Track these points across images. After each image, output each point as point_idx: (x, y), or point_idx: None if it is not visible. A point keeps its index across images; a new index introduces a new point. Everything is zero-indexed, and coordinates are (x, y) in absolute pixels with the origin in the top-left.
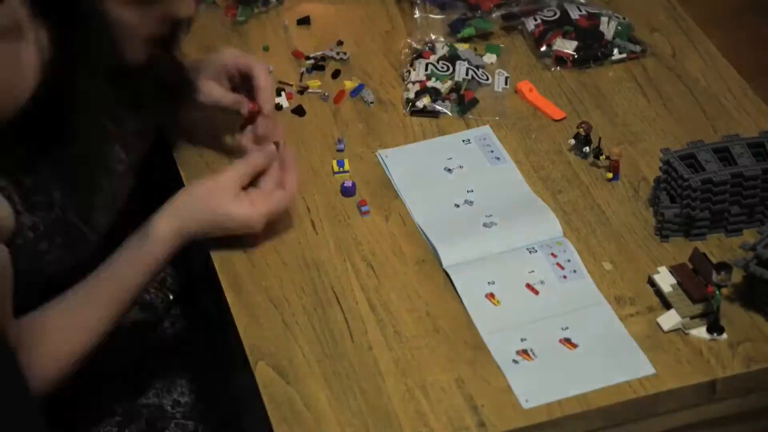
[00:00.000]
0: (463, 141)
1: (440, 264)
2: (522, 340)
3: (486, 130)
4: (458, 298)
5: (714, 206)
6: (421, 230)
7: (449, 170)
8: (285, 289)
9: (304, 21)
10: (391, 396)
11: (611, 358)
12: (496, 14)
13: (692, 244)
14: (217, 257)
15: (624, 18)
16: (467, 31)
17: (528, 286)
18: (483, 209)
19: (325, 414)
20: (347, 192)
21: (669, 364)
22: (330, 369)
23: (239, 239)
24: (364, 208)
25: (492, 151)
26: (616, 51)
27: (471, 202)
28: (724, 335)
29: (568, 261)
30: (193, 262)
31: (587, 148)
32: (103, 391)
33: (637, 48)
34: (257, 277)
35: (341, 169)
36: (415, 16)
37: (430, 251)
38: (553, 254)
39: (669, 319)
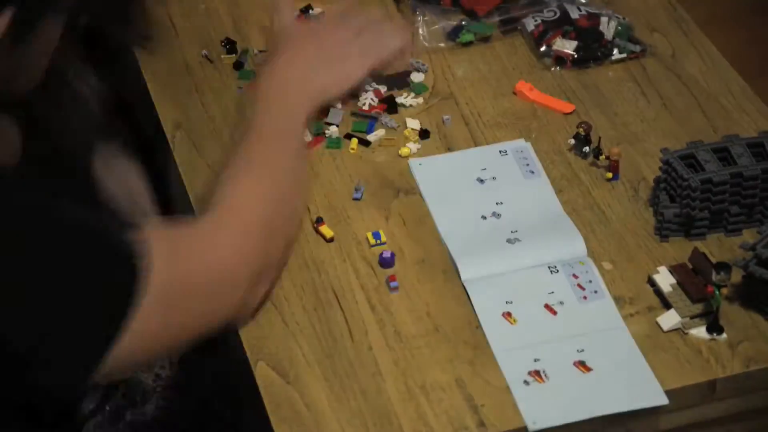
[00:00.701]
0: (500, 152)
1: (458, 276)
2: (535, 360)
3: (521, 143)
4: (458, 298)
5: (714, 206)
6: (443, 240)
7: (481, 180)
8: (285, 289)
9: None
10: (391, 396)
11: (625, 385)
12: (492, 20)
13: (692, 244)
14: None
15: (624, 18)
16: (466, 37)
17: (547, 306)
18: (509, 224)
19: (325, 414)
20: (386, 263)
21: (669, 364)
22: (330, 369)
23: None
24: (392, 284)
25: (527, 165)
26: (616, 51)
27: (499, 215)
28: (724, 335)
29: (590, 282)
30: None
31: (587, 148)
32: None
33: (637, 48)
34: None
35: (378, 241)
36: (417, 24)
37: (431, 252)
38: (574, 275)
39: (669, 319)
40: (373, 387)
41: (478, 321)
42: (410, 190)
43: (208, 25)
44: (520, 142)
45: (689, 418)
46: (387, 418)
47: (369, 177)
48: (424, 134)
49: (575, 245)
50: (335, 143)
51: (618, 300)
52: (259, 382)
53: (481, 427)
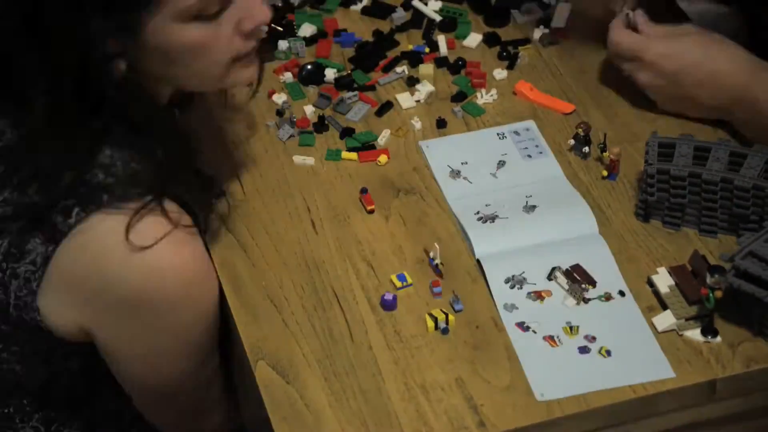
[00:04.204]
0: (507, 132)
1: (473, 253)
2: (545, 337)
3: (529, 123)
4: None
5: (673, 198)
6: (457, 220)
7: (491, 161)
8: (285, 288)
9: None
10: (391, 396)
11: (632, 359)
12: None
13: (693, 245)
14: (217, 257)
15: None
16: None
17: (560, 280)
18: (519, 202)
19: (325, 414)
20: (387, 306)
21: (669, 363)
22: (330, 369)
23: (239, 238)
24: (436, 290)
25: (537, 146)
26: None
27: (508, 195)
28: (718, 338)
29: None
30: None
31: (587, 148)
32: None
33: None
34: (257, 277)
35: (404, 283)
36: None
37: (430, 251)
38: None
39: (664, 320)
40: (373, 387)
41: (495, 307)
42: (410, 190)
43: None
44: (528, 123)
45: (689, 418)
46: (387, 418)
47: (369, 177)
48: (440, 124)
49: (586, 221)
50: (335, 155)
51: None
52: (259, 381)
53: (481, 427)
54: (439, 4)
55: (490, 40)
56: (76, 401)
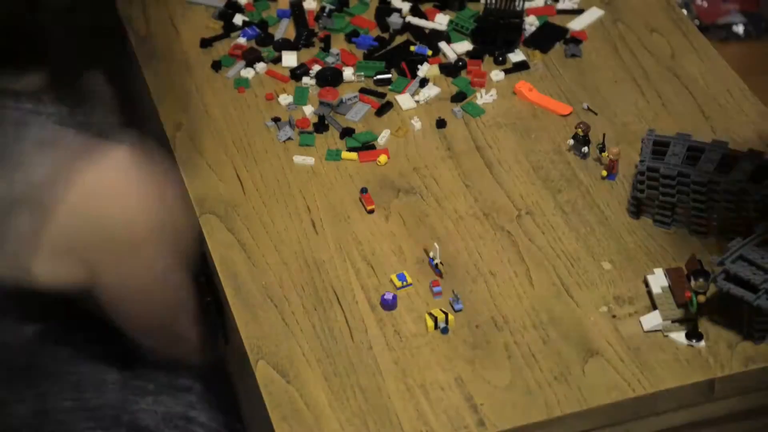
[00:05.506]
0: None
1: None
2: None
3: None
4: None
5: (662, 197)
6: None
7: None
8: (285, 288)
9: None
10: (391, 395)
11: None
12: None
13: (693, 247)
14: (217, 256)
15: None
16: None
17: None
18: None
19: (325, 413)
20: (387, 306)
21: (668, 363)
22: (330, 368)
23: (239, 238)
24: (436, 289)
25: None
26: None
27: None
28: (702, 342)
29: None
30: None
31: (586, 148)
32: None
33: None
34: (257, 276)
35: (404, 283)
36: None
37: (430, 251)
38: None
39: (650, 320)
40: (373, 386)
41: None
42: (410, 190)
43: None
44: None
45: (688, 417)
46: (387, 418)
47: (369, 177)
48: (440, 124)
49: None
50: (335, 155)
51: (617, 299)
52: (259, 381)
53: (481, 427)
54: (447, 18)
55: (482, 51)
56: None
